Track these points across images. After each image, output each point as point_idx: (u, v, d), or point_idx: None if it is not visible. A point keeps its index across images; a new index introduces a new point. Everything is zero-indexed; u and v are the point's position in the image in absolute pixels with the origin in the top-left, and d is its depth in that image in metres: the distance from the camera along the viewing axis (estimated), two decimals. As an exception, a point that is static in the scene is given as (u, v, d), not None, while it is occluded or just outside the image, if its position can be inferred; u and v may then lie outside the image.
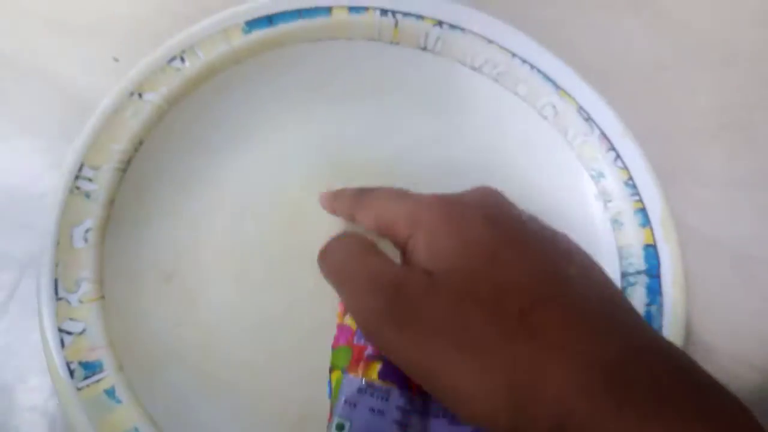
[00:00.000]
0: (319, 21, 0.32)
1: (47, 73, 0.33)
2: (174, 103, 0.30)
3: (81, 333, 0.26)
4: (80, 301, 0.26)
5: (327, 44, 0.33)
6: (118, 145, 0.29)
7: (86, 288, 0.27)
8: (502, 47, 0.33)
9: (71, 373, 0.25)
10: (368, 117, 0.33)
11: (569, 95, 0.33)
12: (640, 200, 0.31)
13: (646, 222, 0.31)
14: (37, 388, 0.27)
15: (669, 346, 0.18)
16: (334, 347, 0.23)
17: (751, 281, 0.32)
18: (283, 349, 0.28)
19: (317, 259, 0.23)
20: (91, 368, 0.25)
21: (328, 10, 0.32)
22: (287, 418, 0.27)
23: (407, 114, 0.33)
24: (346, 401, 0.21)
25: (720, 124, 0.35)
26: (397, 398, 0.21)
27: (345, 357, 0.22)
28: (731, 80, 0.37)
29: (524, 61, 0.33)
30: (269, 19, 0.32)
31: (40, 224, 0.27)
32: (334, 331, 0.29)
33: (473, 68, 0.34)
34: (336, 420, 0.20)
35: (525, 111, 0.34)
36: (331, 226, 0.31)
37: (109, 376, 0.26)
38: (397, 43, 0.34)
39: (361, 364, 0.21)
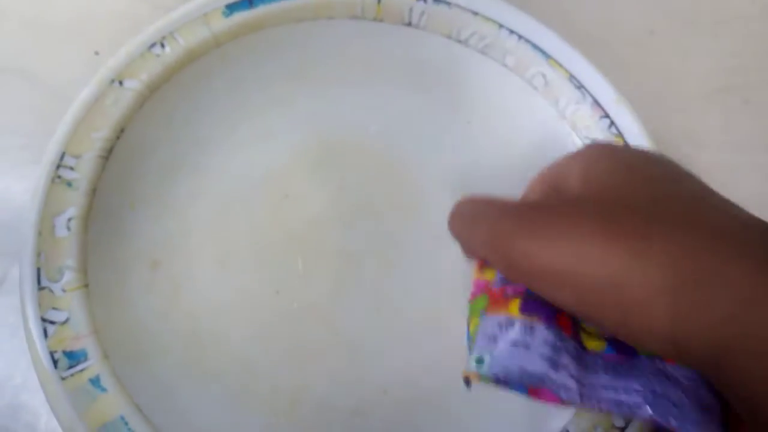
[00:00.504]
0: (299, 1, 0.32)
1: (27, 71, 0.32)
2: (155, 89, 0.30)
3: (64, 322, 0.25)
4: (63, 290, 0.26)
5: (309, 24, 0.32)
6: (100, 133, 0.28)
7: (69, 277, 0.26)
8: (488, 18, 0.33)
9: (55, 362, 0.25)
10: (355, 96, 0.32)
11: (559, 64, 0.32)
12: (637, 167, 0.30)
13: (644, 189, 0.30)
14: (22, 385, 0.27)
15: None
16: (470, 300, 0.21)
17: None
18: (271, 335, 0.28)
19: (448, 224, 0.22)
20: (75, 357, 0.25)
21: (308, -11, 0.32)
22: (276, 405, 0.26)
23: (394, 91, 0.32)
24: (485, 336, 0.19)
25: (715, 87, 0.34)
26: (543, 332, 0.18)
27: (482, 303, 0.20)
28: (724, 44, 0.36)
29: (512, 32, 0.32)
30: (249, 1, 0.31)
31: (21, 221, 0.27)
32: (322, 315, 0.29)
33: (460, 41, 0.33)
34: (474, 354, 0.18)
35: (514, 82, 0.33)
36: (317, 208, 0.30)
37: (93, 365, 0.25)
38: (381, 20, 0.33)
39: (501, 302, 0.19)
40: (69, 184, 0.27)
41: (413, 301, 0.29)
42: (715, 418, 0.16)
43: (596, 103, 0.31)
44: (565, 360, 0.17)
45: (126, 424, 0.24)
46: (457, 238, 0.21)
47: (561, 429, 0.26)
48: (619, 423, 0.25)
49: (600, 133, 0.31)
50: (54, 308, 0.25)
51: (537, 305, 0.18)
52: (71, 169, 0.28)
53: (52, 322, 0.25)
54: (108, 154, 0.29)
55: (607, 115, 0.31)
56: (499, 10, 0.33)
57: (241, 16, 0.31)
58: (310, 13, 0.32)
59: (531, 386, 0.17)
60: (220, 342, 0.27)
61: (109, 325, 0.26)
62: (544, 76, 0.32)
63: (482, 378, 0.18)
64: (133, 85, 0.29)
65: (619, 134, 0.31)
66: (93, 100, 0.29)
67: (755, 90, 0.35)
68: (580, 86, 0.32)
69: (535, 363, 0.17)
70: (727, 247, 0.14)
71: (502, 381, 0.17)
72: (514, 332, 0.18)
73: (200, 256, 0.29)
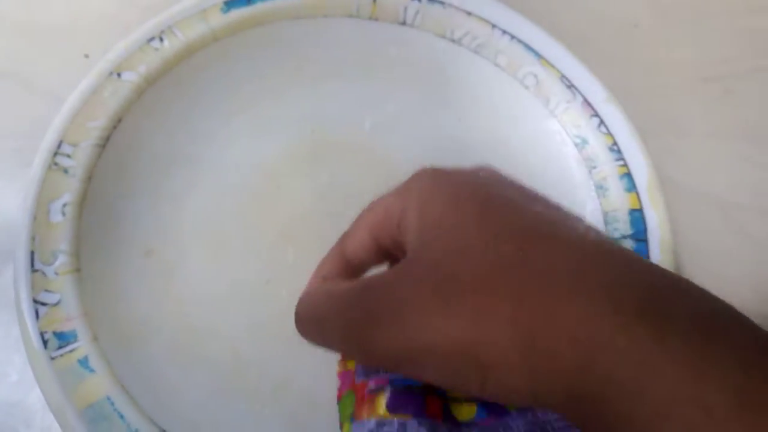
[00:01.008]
0: (296, -1, 0.33)
1: (18, 74, 0.33)
2: (152, 81, 0.31)
3: (56, 304, 0.26)
4: (56, 273, 0.26)
5: (305, 22, 0.33)
6: (97, 123, 0.29)
7: (63, 260, 0.27)
8: (481, 19, 0.33)
9: (45, 342, 0.25)
10: (348, 92, 0.33)
11: (551, 64, 0.32)
12: (625, 165, 0.30)
13: (631, 187, 0.30)
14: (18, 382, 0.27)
15: (688, 282, 0.15)
16: (339, 399, 0.20)
17: (739, 230, 0.32)
18: (260, 323, 0.28)
19: (298, 331, 0.21)
20: (65, 338, 0.25)
21: (305, -13, 0.33)
22: (261, 392, 0.27)
23: (388, 88, 0.33)
24: None
25: (698, 77, 0.35)
26: (415, 428, 0.17)
27: (350, 403, 0.19)
28: (707, 35, 0.37)
29: (504, 32, 0.33)
30: (247, -1, 0.32)
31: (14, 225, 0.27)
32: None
33: (453, 41, 0.34)
34: None
35: (506, 81, 0.33)
36: (308, 201, 0.31)
37: (83, 346, 0.25)
38: (377, 19, 0.34)
39: (366, 403, 0.18)
40: (65, 171, 0.28)
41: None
42: None
43: (586, 102, 0.32)
44: None
45: (112, 404, 0.25)
46: (313, 343, 0.20)
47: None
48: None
49: (590, 131, 0.31)
50: (46, 290, 0.26)
51: (403, 398, 0.18)
52: (68, 156, 0.28)
53: (43, 304, 0.26)
54: (105, 143, 0.29)
55: (596, 114, 0.31)
56: (493, 11, 0.33)
57: (239, 13, 0.32)
58: (306, 11, 0.33)
59: None
60: (209, 328, 0.28)
61: (100, 308, 0.27)
62: (535, 75, 0.33)
63: None
64: (131, 78, 0.30)
65: (609, 133, 0.31)
66: (91, 91, 0.29)
67: (736, 80, 0.35)
68: (570, 86, 0.32)
69: None
70: (557, 287, 0.14)
71: None
72: None
73: (193, 245, 0.29)
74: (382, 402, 0.18)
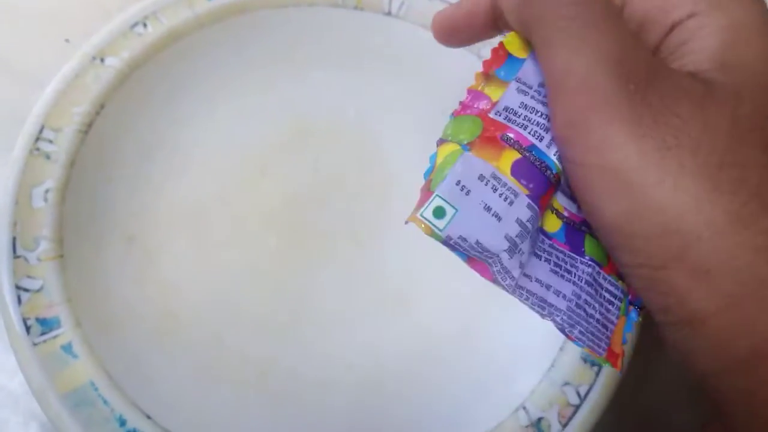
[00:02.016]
0: (282, -13, 0.33)
1: None
2: (136, 67, 0.31)
3: (38, 290, 0.26)
4: (38, 259, 0.26)
5: (290, 10, 0.33)
6: (80, 108, 0.29)
7: (45, 246, 0.27)
8: (465, 11, 0.33)
9: (28, 329, 0.25)
10: (333, 80, 0.33)
11: (533, 56, 0.33)
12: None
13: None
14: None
15: None
16: (454, 114, 0.17)
17: None
18: (242, 308, 0.28)
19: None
20: (48, 324, 0.25)
21: (290, -25, 0.33)
22: (245, 376, 0.27)
23: (372, 77, 0.33)
24: (458, 183, 0.15)
25: None
26: (522, 207, 0.15)
27: (470, 129, 0.16)
28: None
29: (488, 24, 0.33)
30: (232, -15, 0.32)
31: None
32: (293, 290, 0.29)
33: (437, 32, 0.34)
34: (436, 200, 0.15)
35: (489, 73, 0.34)
36: (292, 188, 0.31)
37: (66, 332, 0.25)
38: (362, 9, 0.34)
39: (494, 148, 0.15)
40: (47, 156, 0.28)
41: (382, 281, 0.30)
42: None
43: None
44: (525, 246, 0.15)
45: (96, 389, 0.25)
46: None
47: (518, 405, 0.26)
48: (574, 401, 0.26)
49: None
50: (28, 276, 0.26)
51: (532, 171, 0.15)
52: (50, 141, 0.28)
53: (26, 290, 0.26)
54: (87, 129, 0.29)
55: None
56: (477, 3, 0.33)
57: (224, 0, 0.32)
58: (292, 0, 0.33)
59: (476, 257, 0.15)
60: (192, 314, 0.28)
61: (83, 294, 0.27)
62: (517, 68, 0.33)
63: (433, 234, 0.14)
64: (115, 63, 0.30)
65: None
66: (74, 76, 0.29)
67: None
68: (552, 79, 0.33)
69: (497, 241, 0.15)
70: None
71: (451, 246, 0.15)
72: (493, 197, 0.15)
73: (175, 230, 0.29)
74: (511, 159, 0.15)
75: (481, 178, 0.15)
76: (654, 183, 0.13)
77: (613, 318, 0.16)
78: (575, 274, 0.16)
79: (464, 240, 0.15)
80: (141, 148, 0.30)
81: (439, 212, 0.14)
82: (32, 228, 0.27)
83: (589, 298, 0.16)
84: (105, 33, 0.30)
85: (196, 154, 0.31)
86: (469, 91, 0.17)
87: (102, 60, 0.30)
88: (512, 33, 0.17)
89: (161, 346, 0.27)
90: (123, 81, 0.30)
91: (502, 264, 0.15)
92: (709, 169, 0.13)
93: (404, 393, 0.28)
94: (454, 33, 0.19)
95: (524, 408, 0.26)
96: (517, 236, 0.15)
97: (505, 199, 0.15)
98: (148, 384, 0.26)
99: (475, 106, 0.17)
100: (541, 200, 0.15)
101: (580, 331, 0.15)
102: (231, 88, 0.32)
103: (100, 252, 0.28)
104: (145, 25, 0.31)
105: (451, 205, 0.15)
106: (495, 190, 0.15)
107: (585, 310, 0.16)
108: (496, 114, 0.16)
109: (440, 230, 0.14)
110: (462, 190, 0.15)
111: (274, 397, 0.27)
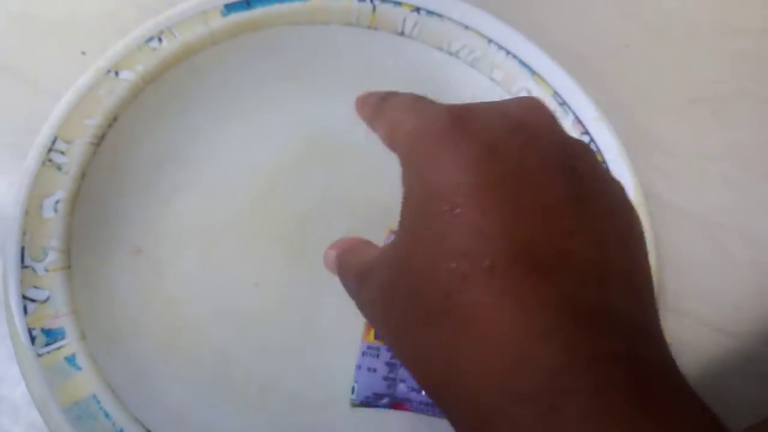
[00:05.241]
0: (296, 5, 0.33)
1: (14, 69, 0.33)
2: (150, 81, 0.31)
3: (45, 301, 0.26)
4: (46, 270, 0.26)
5: (304, 28, 0.33)
6: (92, 120, 0.29)
7: (53, 257, 0.27)
8: (478, 33, 0.34)
9: (33, 339, 0.25)
10: (344, 100, 0.33)
11: (544, 80, 0.33)
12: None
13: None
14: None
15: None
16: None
17: (721, 249, 0.33)
18: (247, 325, 0.28)
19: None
20: (52, 335, 0.25)
21: (305, -6, 0.33)
22: (247, 393, 0.27)
23: (383, 97, 0.33)
24: (357, 365, 0.24)
25: (686, 99, 0.36)
26: (384, 354, 0.23)
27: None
28: (696, 58, 0.38)
29: (500, 47, 0.33)
30: (247, 2, 0.32)
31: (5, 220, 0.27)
32: (298, 309, 0.29)
33: (450, 53, 0.34)
34: (353, 383, 0.23)
35: (500, 96, 0.34)
36: (301, 206, 0.31)
37: (70, 344, 0.25)
38: (375, 29, 0.34)
39: (366, 329, 0.24)
40: (59, 167, 0.28)
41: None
42: None
43: (578, 120, 0.32)
44: (404, 373, 0.22)
45: (98, 402, 0.25)
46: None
47: None
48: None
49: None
50: (35, 286, 0.26)
51: None
52: (62, 153, 0.28)
53: (32, 300, 0.26)
54: (99, 141, 0.29)
55: (587, 132, 0.32)
56: (490, 26, 0.34)
57: (239, 16, 0.32)
58: (306, 17, 0.33)
59: (393, 403, 0.23)
60: (196, 329, 0.28)
61: (89, 306, 0.27)
62: (529, 91, 0.33)
63: (354, 405, 0.23)
64: (129, 77, 0.30)
65: (599, 151, 0.32)
66: (88, 88, 0.29)
67: (723, 102, 0.37)
68: (563, 103, 0.33)
69: (381, 385, 0.22)
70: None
71: (369, 405, 0.23)
72: (369, 360, 0.23)
73: (183, 245, 0.29)
74: (373, 330, 0.24)
75: (363, 353, 0.24)
76: None
77: None
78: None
79: (368, 398, 0.23)
80: (152, 161, 0.30)
81: (352, 389, 0.24)
82: (41, 238, 0.27)
83: None
84: (120, 46, 0.31)
85: (206, 169, 0.31)
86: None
87: (116, 73, 0.30)
88: None
89: (165, 361, 0.27)
90: (136, 94, 0.30)
91: (404, 399, 0.23)
92: None
93: (406, 416, 0.28)
94: None
95: None
96: (389, 372, 0.23)
97: (374, 356, 0.23)
98: (150, 399, 0.26)
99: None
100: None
101: None
102: (243, 104, 0.32)
103: (107, 264, 0.28)
104: (160, 40, 0.31)
105: (356, 381, 0.24)
106: (369, 355, 0.24)
107: None
108: None
109: (356, 400, 0.23)
110: (358, 368, 0.24)
111: (276, 413, 0.27)
